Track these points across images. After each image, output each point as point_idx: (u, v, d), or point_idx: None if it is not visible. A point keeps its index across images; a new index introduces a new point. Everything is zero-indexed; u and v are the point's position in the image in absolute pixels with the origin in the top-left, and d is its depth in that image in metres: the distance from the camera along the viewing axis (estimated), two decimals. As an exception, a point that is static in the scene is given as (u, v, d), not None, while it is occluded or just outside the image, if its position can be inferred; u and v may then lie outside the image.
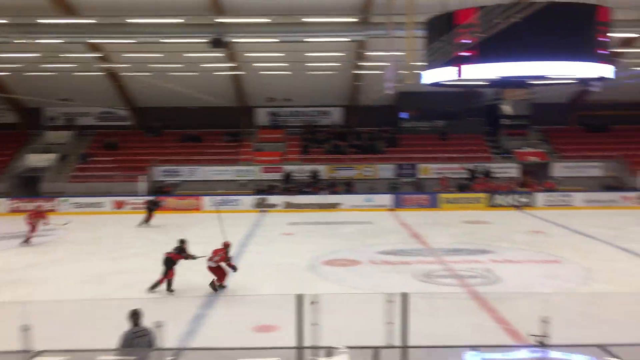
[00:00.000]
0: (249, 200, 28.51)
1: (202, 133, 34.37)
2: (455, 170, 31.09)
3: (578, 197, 28.62)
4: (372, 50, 26.33)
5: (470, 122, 34.62)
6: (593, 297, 12.24)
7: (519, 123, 34.05)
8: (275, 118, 35.26)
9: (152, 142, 34.05)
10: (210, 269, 13.22)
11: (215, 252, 13.33)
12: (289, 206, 28.26)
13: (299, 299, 6.07)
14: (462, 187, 29.81)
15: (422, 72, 16.35)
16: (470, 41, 10.93)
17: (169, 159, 31.93)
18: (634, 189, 29.02)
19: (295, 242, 20.17)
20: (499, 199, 28.64)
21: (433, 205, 28.62)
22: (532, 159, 31.67)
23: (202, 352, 7.52)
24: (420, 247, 19.08)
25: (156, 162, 31.20)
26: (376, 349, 5.86)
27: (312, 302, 6.41)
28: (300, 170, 31.18)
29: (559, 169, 31.24)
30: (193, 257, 13.64)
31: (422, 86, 18.12)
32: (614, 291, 13.09)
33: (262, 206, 28.13)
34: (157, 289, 13.10)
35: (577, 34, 13.08)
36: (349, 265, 16.22)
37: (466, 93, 32.42)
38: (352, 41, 25.55)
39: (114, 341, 6.89)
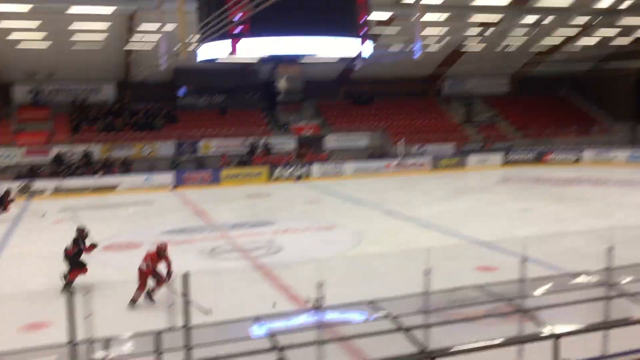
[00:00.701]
0: (8, 186, 25.53)
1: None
2: (236, 145, 31.44)
3: (348, 166, 30.94)
4: (144, 24, 25.13)
5: (248, 97, 35.17)
6: (364, 258, 13.38)
7: (293, 98, 35.45)
8: (38, 95, 31.88)
9: None
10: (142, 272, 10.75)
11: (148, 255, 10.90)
12: (59, 191, 26.00)
13: (70, 290, 5.58)
14: (243, 162, 30.28)
15: (197, 48, 16.08)
16: (242, 15, 11.00)
17: None
18: (396, 157, 32.25)
19: (68, 229, 18.64)
20: (279, 171, 29.72)
21: (215, 181, 28.65)
22: (307, 132, 33.33)
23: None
24: (204, 224, 19.00)
25: None
26: (158, 333, 5.66)
27: (85, 294, 5.97)
28: (72, 151, 28.80)
29: (331, 141, 33.39)
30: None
31: (199, 62, 17.85)
32: (381, 251, 14.46)
33: (25, 192, 25.42)
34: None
35: (341, 13, 13.95)
36: (131, 249, 15.51)
37: (243, 68, 32.81)
38: (120, 14, 24.10)
39: None
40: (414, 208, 20.75)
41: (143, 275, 10.68)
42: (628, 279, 6.90)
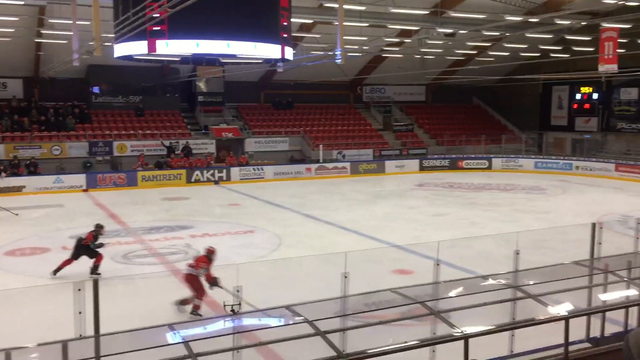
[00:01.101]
0: None
1: None
2: (153, 147, 30.60)
3: (269, 170, 30.86)
4: (56, 18, 23.97)
5: (167, 98, 34.37)
6: (283, 262, 13.35)
7: (214, 100, 34.97)
8: None
9: None
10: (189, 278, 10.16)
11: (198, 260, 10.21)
12: (-41, 192, 24.34)
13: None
14: (160, 164, 29.52)
15: (113, 45, 15.53)
16: (159, 15, 10.72)
17: None
18: (316, 161, 32.48)
19: (-31, 233, 17.49)
20: (198, 174, 29.19)
21: (131, 183, 27.73)
22: (228, 134, 32.97)
23: None
24: (118, 227, 18.34)
25: None
26: (65, 342, 5.39)
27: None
28: (-27, 150, 27.03)
29: (252, 144, 33.19)
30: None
31: (115, 59, 17.25)
32: (300, 254, 14.49)
33: None
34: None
35: (262, 18, 13.90)
36: (37, 254, 14.73)
37: (162, 68, 32.01)
38: (30, 5, 22.87)
39: None
40: (334, 212, 20.96)
41: (196, 281, 10.08)
42: (533, 281, 7.26)
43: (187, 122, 33.83)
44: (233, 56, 15.03)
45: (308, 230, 18.01)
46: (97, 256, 12.61)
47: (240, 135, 33.14)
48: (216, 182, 29.28)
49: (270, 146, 33.61)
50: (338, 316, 6.61)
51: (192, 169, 29.25)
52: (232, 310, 6.89)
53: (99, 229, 12.84)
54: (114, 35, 15.36)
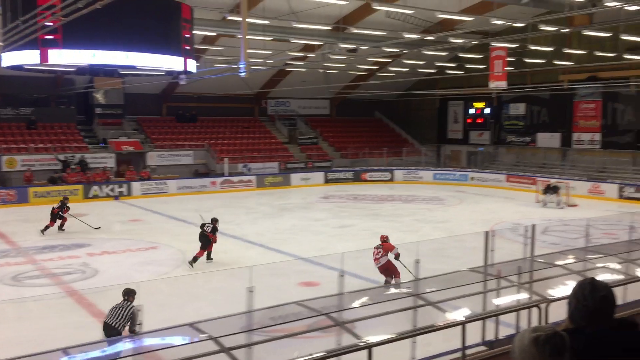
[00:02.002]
0: None
1: None
2: (46, 161, 29.00)
3: (172, 184, 30.11)
4: None
5: (61, 109, 32.75)
6: (187, 278, 13.04)
7: (113, 112, 33.72)
8: None
9: None
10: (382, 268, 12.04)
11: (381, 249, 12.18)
12: None
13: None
14: (54, 180, 27.99)
15: (1, 54, 14.60)
16: (52, 24, 10.21)
17: None
18: (221, 175, 32.08)
19: None
20: (96, 189, 27.96)
21: (22, 200, 26.08)
22: (128, 148, 31.87)
23: None
24: (7, 247, 17.18)
25: None
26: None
27: None
28: None
29: (154, 158, 32.27)
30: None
31: (3, 69, 16.22)
32: (205, 270, 14.22)
33: None
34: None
35: (164, 29, 13.59)
36: None
37: (56, 78, 30.50)
38: None
39: None
40: (239, 226, 20.76)
41: (391, 265, 12.03)
42: (432, 289, 7.54)
43: (84, 135, 32.37)
44: (133, 67, 14.57)
45: (215, 245, 17.68)
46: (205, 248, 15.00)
47: (141, 149, 32.13)
48: (116, 198, 28.18)
49: (173, 160, 32.83)
50: (243, 331, 6.53)
51: (90, 184, 27.97)
52: (132, 331, 6.62)
53: (214, 222, 15.45)
54: (1, 44, 14.46)
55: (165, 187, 29.81)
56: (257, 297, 7.39)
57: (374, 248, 12.40)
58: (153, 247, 17.27)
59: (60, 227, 19.60)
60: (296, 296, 8.61)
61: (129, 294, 8.47)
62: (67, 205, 19.76)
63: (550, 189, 25.48)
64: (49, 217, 19.36)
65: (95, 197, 27.77)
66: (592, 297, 2.32)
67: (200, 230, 15.26)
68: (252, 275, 7.49)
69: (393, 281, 11.88)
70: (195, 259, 14.68)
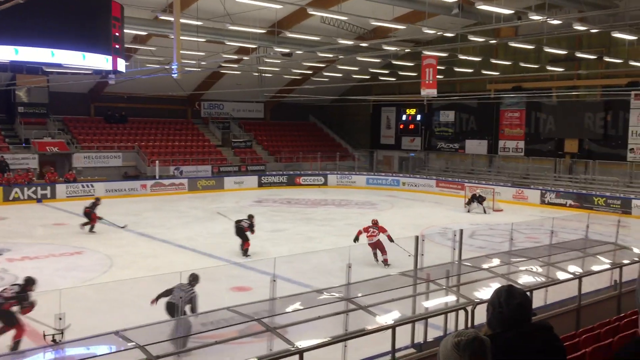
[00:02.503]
0: None
1: None
2: (-37, 161, 27.44)
3: (100, 187, 29.13)
4: None
5: (-20, 108, 31.08)
6: (114, 284, 12.61)
7: (37, 111, 32.28)
8: None
9: None
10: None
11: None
12: None
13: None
14: (-28, 181, 26.52)
15: None
16: (-30, 16, 9.64)
17: None
18: (152, 178, 31.31)
19: None
20: (17, 192, 26.67)
21: None
22: (52, 149, 30.59)
23: None
24: None
25: None
26: None
27: None
28: None
29: (80, 160, 31.13)
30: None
31: None
32: (133, 275, 13.81)
33: None
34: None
35: (93, 26, 13.12)
36: None
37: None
38: None
39: None
40: (170, 230, 20.32)
41: (380, 244, 15.47)
42: (364, 293, 7.61)
43: (5, 135, 30.84)
44: (58, 65, 13.97)
45: (142, 250, 17.24)
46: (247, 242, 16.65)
47: (67, 150, 30.91)
48: (39, 200, 26.97)
49: (101, 162, 31.77)
50: (172, 339, 6.38)
51: (10, 186, 26.66)
52: (54, 340, 6.33)
53: (251, 218, 17.40)
54: None
55: (92, 190, 28.78)
56: (188, 303, 7.24)
57: (369, 228, 15.58)
58: (78, 252, 16.64)
59: (91, 229, 19.80)
60: (228, 302, 8.50)
61: (194, 279, 9.56)
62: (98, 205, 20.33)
63: (476, 199, 26.37)
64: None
65: (17, 199, 26.49)
66: (507, 305, 2.41)
67: (235, 225, 16.83)
68: (182, 281, 7.32)
69: (380, 256, 15.34)
70: (245, 250, 16.42)
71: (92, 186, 28.94)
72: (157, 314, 7.94)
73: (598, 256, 10.49)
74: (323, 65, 34.89)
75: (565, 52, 27.37)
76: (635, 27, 21.28)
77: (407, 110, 39.57)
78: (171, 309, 9.03)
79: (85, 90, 33.88)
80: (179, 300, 8.99)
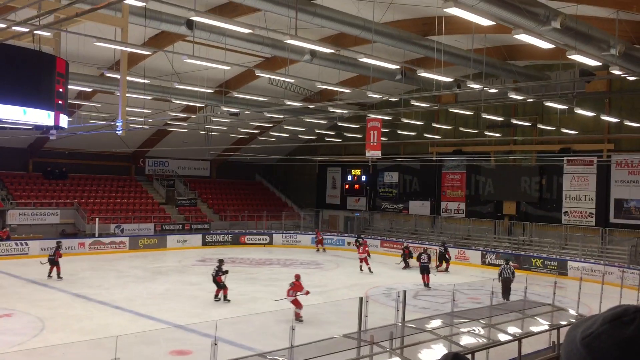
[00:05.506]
0: None
1: None
2: None
3: (34, 245, 27.93)
4: None
5: None
6: (44, 349, 11.96)
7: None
8: None
9: None
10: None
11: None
12: None
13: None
14: None
15: None
16: None
17: None
18: (91, 236, 30.30)
19: None
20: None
21: None
22: (-14, 205, 29.30)
23: None
24: None
25: None
26: None
27: None
28: None
29: (15, 217, 29.91)
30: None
31: None
32: (66, 339, 13.14)
33: None
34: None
35: (35, 81, 12.92)
36: None
37: None
38: None
39: None
40: (107, 290, 19.57)
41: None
42: (307, 357, 7.49)
43: None
44: (-3, 119, 13.63)
45: (76, 312, 16.48)
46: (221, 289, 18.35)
47: (1, 207, 29.69)
48: (-32, 259, 25.59)
49: (38, 219, 30.59)
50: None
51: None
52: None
53: (220, 262, 18.66)
54: None
55: (25, 248, 27.58)
56: (124, 369, 6.93)
57: (289, 284, 16.17)
58: (7, 314, 15.75)
59: (58, 275, 21.42)
60: (166, 366, 8.18)
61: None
62: (60, 249, 22.13)
63: (406, 254, 27.62)
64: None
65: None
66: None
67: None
68: (117, 344, 7.03)
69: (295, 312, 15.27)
70: (224, 296, 18.17)
71: (26, 244, 27.73)
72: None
73: (537, 317, 10.72)
74: (270, 125, 35.28)
75: (502, 119, 28.69)
76: (565, 97, 22.62)
77: (353, 171, 40.19)
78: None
79: (24, 145, 32.98)
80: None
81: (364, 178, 39.74)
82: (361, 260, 25.99)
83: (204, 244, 33.58)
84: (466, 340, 8.96)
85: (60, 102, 12.90)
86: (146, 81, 21.37)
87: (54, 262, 21.55)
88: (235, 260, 28.63)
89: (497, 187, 32.58)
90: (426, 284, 21.77)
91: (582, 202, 29.25)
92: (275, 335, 12.57)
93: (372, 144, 24.85)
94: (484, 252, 29.56)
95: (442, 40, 17.22)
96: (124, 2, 12.07)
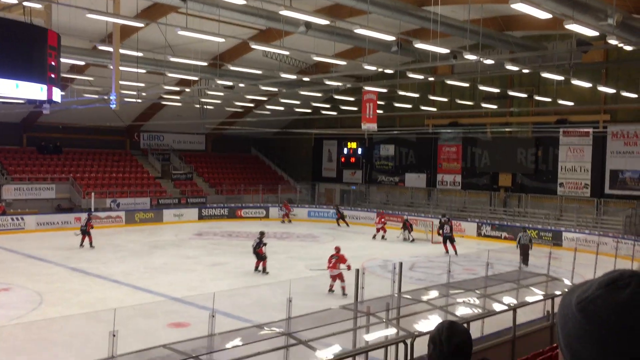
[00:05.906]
0: None
1: None
2: None
3: (31, 220, 27.94)
4: None
5: None
6: (43, 322, 12.04)
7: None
8: None
9: None
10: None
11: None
12: None
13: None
14: None
15: None
16: None
17: None
18: (87, 210, 30.24)
19: None
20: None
21: None
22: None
23: None
24: None
25: None
26: None
27: None
28: None
29: (10, 192, 29.84)
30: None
31: None
32: (64, 313, 13.22)
33: None
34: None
35: (27, 55, 12.76)
36: None
37: None
38: None
39: None
40: (105, 265, 19.65)
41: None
42: (304, 327, 7.55)
43: None
44: (-12, 93, 13.48)
45: (74, 286, 16.56)
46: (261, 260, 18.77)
47: (-4, 181, 29.60)
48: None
49: (33, 194, 30.53)
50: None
51: None
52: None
53: (261, 235, 19.05)
54: None
55: (21, 223, 27.60)
56: (123, 341, 6.97)
57: (330, 257, 15.91)
58: (5, 288, 15.81)
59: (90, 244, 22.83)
60: (165, 339, 8.24)
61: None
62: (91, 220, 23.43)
63: (406, 227, 27.55)
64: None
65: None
66: (447, 343, 2.43)
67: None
68: (115, 317, 7.05)
69: (336, 283, 15.65)
70: (263, 269, 18.51)
71: (22, 219, 27.74)
72: (89, 353, 7.59)
73: (531, 287, 10.81)
74: (265, 99, 35.06)
75: (498, 90, 28.56)
76: (562, 68, 22.50)
77: (349, 144, 40.10)
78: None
79: (17, 120, 32.75)
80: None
81: (360, 151, 39.68)
82: (378, 230, 27.44)
83: (200, 217, 33.64)
84: (462, 311, 9.05)
85: (52, 75, 12.76)
86: (139, 54, 21.12)
87: (85, 232, 22.95)
88: (232, 233, 28.72)
89: (493, 159, 32.59)
90: (455, 252, 22.36)
91: (578, 173, 29.33)
92: (272, 307, 12.67)
93: (368, 116, 24.76)
94: (480, 224, 29.71)
95: (439, 11, 17.01)
96: (115, -28, 11.86)
